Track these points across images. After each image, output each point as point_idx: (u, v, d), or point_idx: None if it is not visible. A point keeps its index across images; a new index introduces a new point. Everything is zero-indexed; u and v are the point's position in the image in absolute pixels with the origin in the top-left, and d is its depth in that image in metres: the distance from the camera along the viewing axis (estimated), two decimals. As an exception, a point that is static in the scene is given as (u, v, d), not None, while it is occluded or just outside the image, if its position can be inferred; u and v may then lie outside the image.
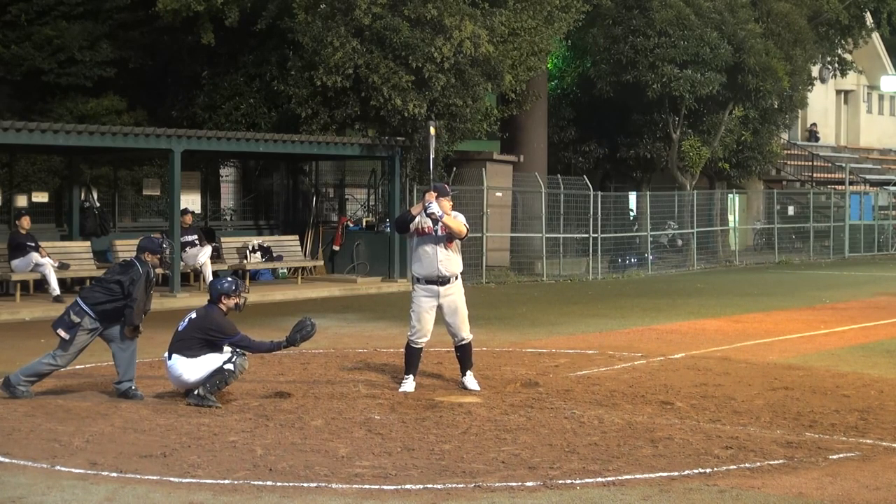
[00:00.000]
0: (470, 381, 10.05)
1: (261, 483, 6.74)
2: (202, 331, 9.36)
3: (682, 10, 26.37)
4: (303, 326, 9.56)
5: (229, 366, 9.25)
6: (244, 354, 9.43)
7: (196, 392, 9.16)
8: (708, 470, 7.09)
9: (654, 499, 6.48)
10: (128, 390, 9.50)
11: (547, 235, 24.29)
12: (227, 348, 9.37)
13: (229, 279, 9.84)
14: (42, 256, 17.43)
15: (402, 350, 10.33)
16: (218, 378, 9.21)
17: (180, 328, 9.46)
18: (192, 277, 19.93)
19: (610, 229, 25.75)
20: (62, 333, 9.43)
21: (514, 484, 6.75)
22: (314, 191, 24.00)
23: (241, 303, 9.65)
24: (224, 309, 9.51)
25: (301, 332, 9.53)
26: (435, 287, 9.90)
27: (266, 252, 21.23)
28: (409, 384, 9.92)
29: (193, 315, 9.48)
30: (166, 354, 9.43)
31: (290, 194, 24.49)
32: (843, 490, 6.68)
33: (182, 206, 19.29)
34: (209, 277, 19.05)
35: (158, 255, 9.83)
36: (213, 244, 20.31)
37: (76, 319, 9.44)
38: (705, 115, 28.27)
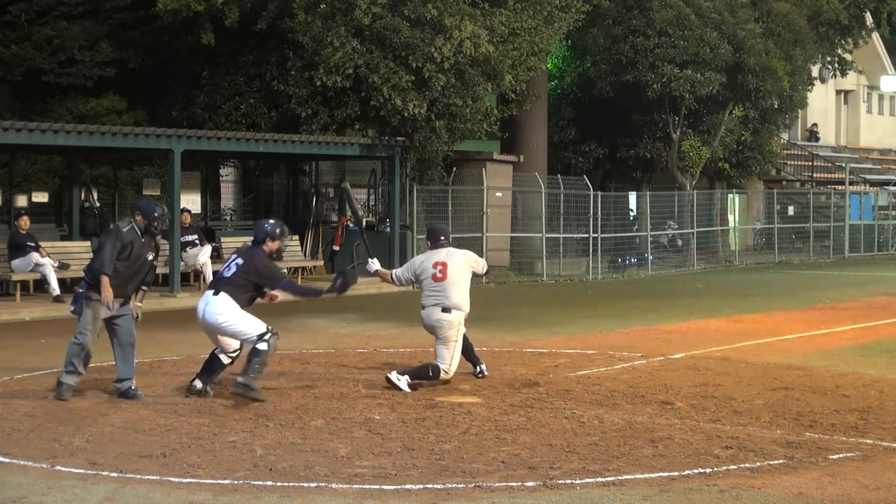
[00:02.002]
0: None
1: (261, 483, 6.73)
2: (252, 275, 9.31)
3: (682, 10, 26.38)
4: (343, 273, 9.61)
5: (263, 345, 9.09)
6: (277, 333, 9.30)
7: (240, 381, 9.01)
8: (708, 470, 7.09)
9: (654, 499, 6.48)
10: (128, 390, 9.49)
11: (547, 235, 24.29)
12: (258, 329, 9.17)
13: (272, 221, 9.72)
14: (42, 256, 17.43)
15: (402, 350, 10.40)
16: (256, 363, 9.05)
17: (227, 273, 9.33)
18: (192, 277, 19.93)
19: (610, 229, 25.75)
20: (71, 308, 9.47)
21: (514, 484, 6.75)
22: (314, 191, 24.01)
23: (283, 249, 9.67)
24: (267, 251, 9.47)
25: (343, 278, 9.61)
26: None
27: (266, 252, 21.21)
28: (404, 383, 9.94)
29: (239, 260, 9.34)
30: (210, 291, 9.31)
31: (290, 194, 24.49)
32: (843, 490, 6.68)
33: (181, 206, 19.30)
34: (209, 277, 19.05)
35: (147, 221, 9.53)
36: (213, 244, 20.31)
37: (80, 290, 9.44)
38: (705, 115, 28.28)
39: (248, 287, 9.34)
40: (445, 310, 10.02)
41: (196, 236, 19.49)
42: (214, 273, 19.07)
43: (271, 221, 9.73)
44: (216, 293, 9.25)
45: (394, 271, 10.66)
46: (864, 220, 34.20)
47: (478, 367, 10.60)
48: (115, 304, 9.42)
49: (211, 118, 22.17)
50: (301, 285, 9.53)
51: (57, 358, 11.34)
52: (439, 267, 10.11)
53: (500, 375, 10.76)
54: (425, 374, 10.01)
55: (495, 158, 24.89)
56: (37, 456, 7.41)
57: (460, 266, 10.13)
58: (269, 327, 9.22)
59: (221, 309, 9.19)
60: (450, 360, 10.01)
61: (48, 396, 9.49)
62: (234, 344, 9.47)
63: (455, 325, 10.02)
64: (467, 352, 10.49)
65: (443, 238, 10.45)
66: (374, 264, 10.50)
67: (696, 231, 28.20)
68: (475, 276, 10.47)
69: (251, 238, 9.75)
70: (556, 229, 24.51)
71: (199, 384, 9.53)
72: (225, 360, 9.57)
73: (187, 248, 19.23)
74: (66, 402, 9.25)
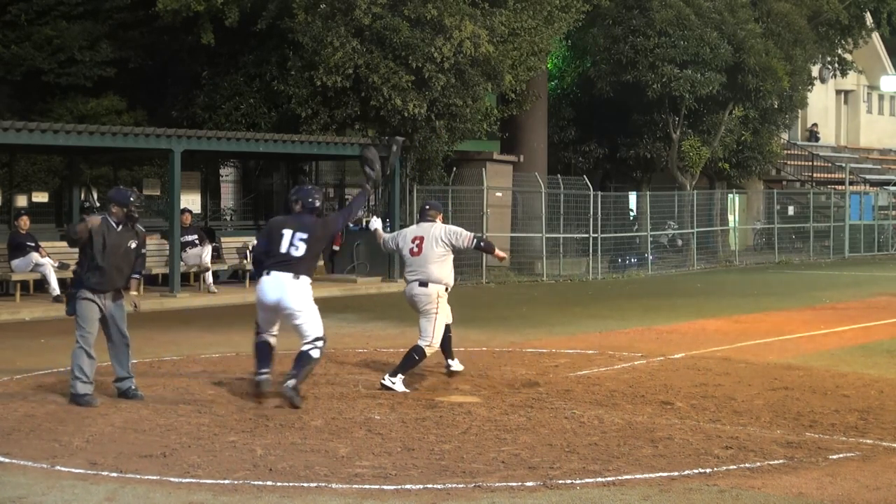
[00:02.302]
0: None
1: (261, 483, 6.73)
2: (321, 241, 9.35)
3: (682, 10, 26.38)
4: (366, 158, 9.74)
5: (316, 353, 9.13)
6: (326, 340, 9.35)
7: (292, 385, 8.98)
8: (708, 470, 7.09)
9: (654, 499, 6.48)
10: (128, 390, 9.47)
11: (547, 235, 24.29)
12: (319, 330, 9.15)
13: (309, 187, 9.67)
14: (42, 256, 17.44)
15: (402, 349, 10.43)
16: (307, 370, 9.13)
17: (296, 253, 9.09)
18: (192, 277, 19.93)
19: (610, 229, 25.75)
20: (67, 311, 9.39)
21: (514, 484, 6.75)
22: (314, 191, 23.95)
23: None
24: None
25: (368, 164, 9.80)
26: None
27: (266, 252, 21.18)
28: (399, 383, 10.00)
29: (303, 235, 9.12)
30: (287, 274, 9.08)
31: (290, 194, 24.45)
32: (843, 490, 6.68)
33: (182, 206, 19.31)
34: (209, 277, 19.09)
35: (125, 208, 9.35)
36: (214, 244, 20.30)
37: (72, 291, 9.39)
38: (705, 115, 28.28)
39: (317, 256, 9.45)
40: (423, 284, 10.07)
41: (196, 236, 19.48)
42: (214, 273, 19.21)
43: (308, 187, 9.66)
44: (297, 276, 9.10)
45: (385, 235, 10.68)
46: (864, 220, 34.20)
47: (448, 361, 10.63)
48: (105, 300, 9.39)
49: (211, 118, 22.17)
50: (351, 202, 9.59)
51: (57, 358, 11.36)
52: (416, 242, 10.19)
53: (500, 375, 10.76)
54: (411, 361, 10.01)
55: (495, 158, 24.90)
56: (37, 456, 7.41)
57: (436, 241, 10.12)
58: (323, 337, 9.28)
59: (303, 296, 9.14)
60: (431, 333, 10.04)
61: (48, 396, 9.49)
62: (277, 328, 9.51)
63: (433, 297, 10.04)
64: (443, 343, 10.49)
65: (427, 207, 10.52)
66: (376, 223, 10.71)
67: (696, 231, 28.20)
68: (462, 251, 10.43)
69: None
70: (556, 229, 24.51)
71: (266, 375, 9.44)
72: (274, 341, 9.58)
73: (187, 249, 19.22)
74: (65, 402, 9.23)
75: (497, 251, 10.71)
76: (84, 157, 21.06)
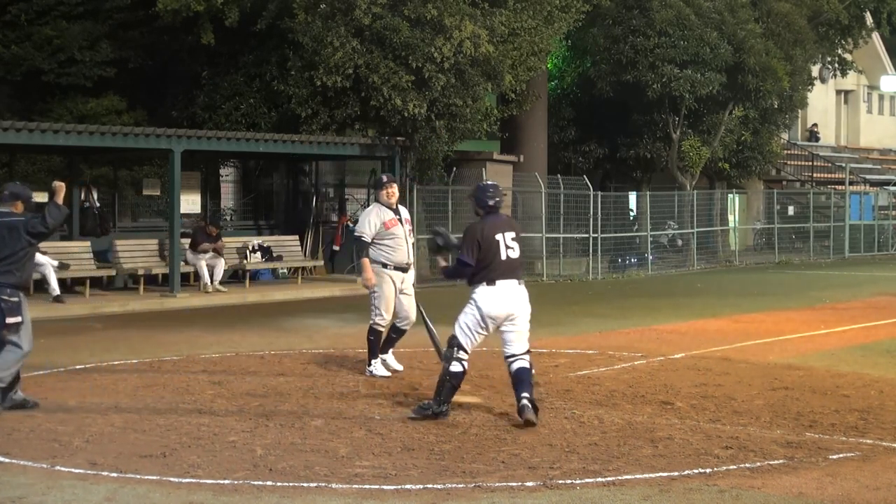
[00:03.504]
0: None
1: (261, 483, 6.74)
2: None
3: (682, 10, 26.38)
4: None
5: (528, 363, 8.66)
6: None
7: (531, 403, 8.35)
8: (708, 470, 7.09)
9: (654, 499, 6.48)
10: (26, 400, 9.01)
11: (547, 235, 24.29)
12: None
13: (496, 184, 9.22)
14: (42, 256, 17.41)
15: (402, 350, 10.49)
16: (533, 380, 8.64)
17: (514, 256, 8.51)
18: (192, 277, 19.92)
19: (610, 229, 25.75)
20: (15, 319, 8.83)
21: (514, 484, 6.75)
22: (314, 191, 23.99)
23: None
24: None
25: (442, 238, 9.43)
26: (401, 273, 10.66)
27: (266, 252, 21.23)
28: (379, 367, 10.53)
29: (513, 234, 8.58)
30: (515, 280, 8.49)
31: (290, 194, 24.47)
32: (843, 490, 6.68)
33: (212, 219, 19.39)
34: (208, 280, 19.05)
35: (26, 205, 9.12)
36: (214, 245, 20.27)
37: (16, 299, 8.91)
38: (705, 115, 28.27)
39: None
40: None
41: (214, 244, 19.37)
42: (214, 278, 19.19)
43: (496, 184, 9.20)
44: (521, 281, 8.60)
45: None
46: (864, 220, 34.20)
47: (371, 364, 10.68)
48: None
49: (211, 118, 22.15)
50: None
51: (57, 358, 11.37)
52: None
53: (500, 375, 10.74)
54: (370, 344, 10.57)
55: (495, 158, 24.89)
56: (37, 456, 7.41)
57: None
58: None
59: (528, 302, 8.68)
60: (373, 310, 10.52)
61: (48, 396, 9.48)
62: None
63: (371, 275, 10.52)
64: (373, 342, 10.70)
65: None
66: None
67: (696, 231, 28.20)
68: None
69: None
70: (556, 229, 24.50)
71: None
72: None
73: (200, 253, 19.12)
74: (65, 403, 9.22)
75: (365, 274, 10.50)
76: (84, 157, 21.05)
